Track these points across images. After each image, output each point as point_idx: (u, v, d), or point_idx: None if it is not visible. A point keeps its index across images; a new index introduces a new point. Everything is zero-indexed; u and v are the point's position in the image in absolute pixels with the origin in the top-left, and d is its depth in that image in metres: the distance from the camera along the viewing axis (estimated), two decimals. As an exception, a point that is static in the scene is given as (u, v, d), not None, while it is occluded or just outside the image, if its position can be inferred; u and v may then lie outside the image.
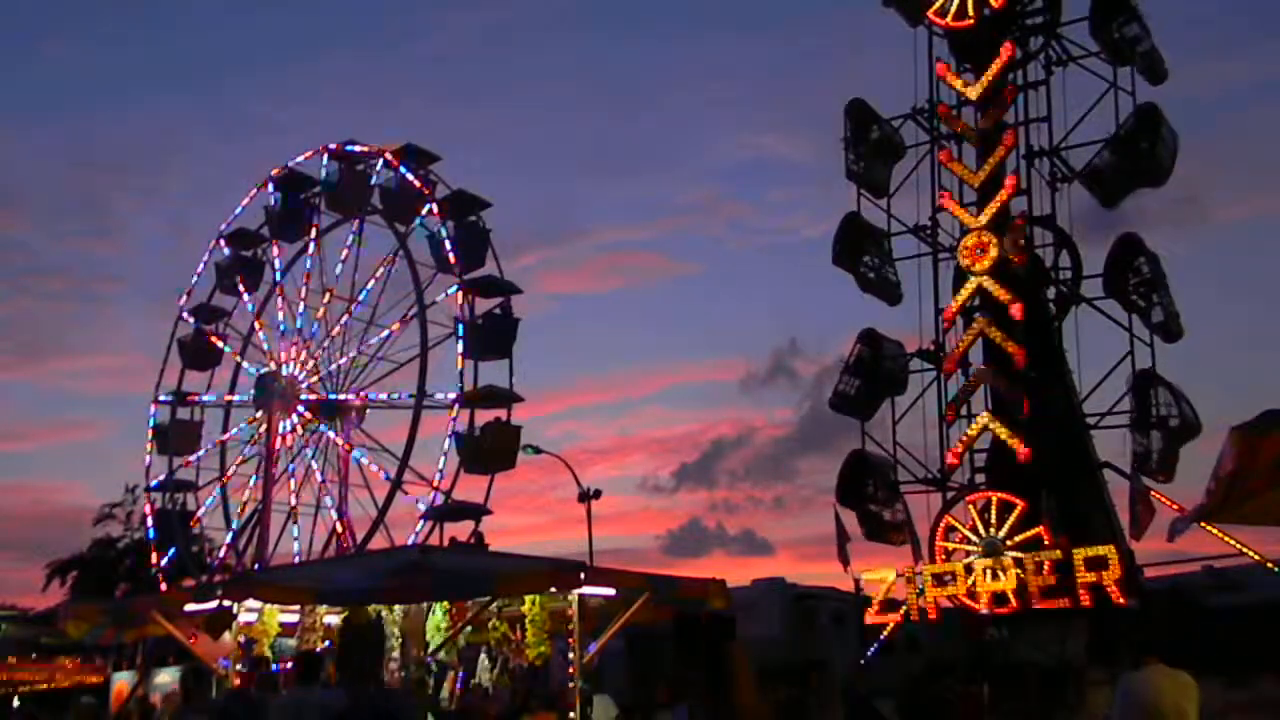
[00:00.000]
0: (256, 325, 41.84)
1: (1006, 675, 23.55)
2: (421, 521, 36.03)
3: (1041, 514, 26.45)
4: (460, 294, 37.03)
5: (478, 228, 38.16)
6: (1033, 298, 29.32)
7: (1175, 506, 24.71)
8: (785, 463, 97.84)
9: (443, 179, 38.91)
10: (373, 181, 39.05)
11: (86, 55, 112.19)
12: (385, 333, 38.74)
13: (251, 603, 13.84)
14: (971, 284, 29.01)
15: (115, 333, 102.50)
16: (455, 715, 16.20)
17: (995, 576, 26.23)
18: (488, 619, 15.15)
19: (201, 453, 42.03)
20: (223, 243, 42.23)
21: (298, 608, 14.70)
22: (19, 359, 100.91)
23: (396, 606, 14.12)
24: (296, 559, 36.93)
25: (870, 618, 28.23)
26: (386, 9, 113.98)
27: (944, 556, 27.48)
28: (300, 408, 39.24)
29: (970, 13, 30.32)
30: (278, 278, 42.02)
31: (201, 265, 42.72)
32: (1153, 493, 25.62)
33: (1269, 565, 23.24)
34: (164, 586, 37.63)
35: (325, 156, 39.76)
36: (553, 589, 13.99)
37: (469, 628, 14.99)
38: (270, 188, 40.98)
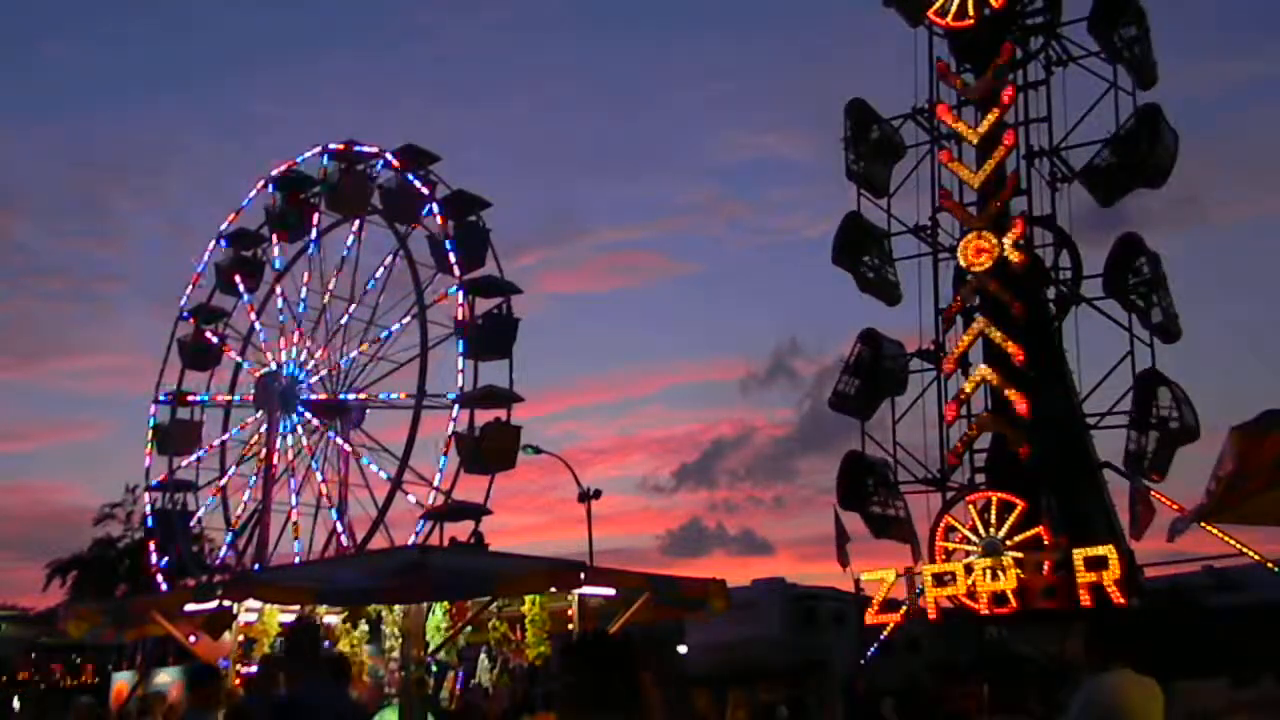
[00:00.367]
0: (256, 325, 41.85)
1: (1006, 675, 23.58)
2: (421, 521, 36.06)
3: (1041, 514, 26.46)
4: (460, 294, 37.02)
5: (478, 228, 38.14)
6: (1033, 298, 29.33)
7: (1175, 506, 24.74)
8: (785, 463, 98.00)
9: (443, 179, 38.94)
10: (373, 182, 39.05)
11: (86, 55, 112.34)
12: (385, 333, 38.76)
13: (251, 603, 13.83)
14: (971, 284, 29.03)
15: (115, 333, 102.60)
16: (455, 715, 16.21)
17: (995, 576, 26.24)
18: (488, 619, 15.13)
19: (201, 453, 42.04)
20: (223, 243, 42.24)
21: (298, 608, 14.70)
22: (19, 359, 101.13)
23: (396, 606, 14.11)
24: (297, 559, 36.91)
25: (870, 618, 28.25)
26: (386, 9, 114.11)
27: (944, 556, 27.50)
28: (300, 408, 39.25)
29: (970, 13, 30.34)
30: (277, 275, 42.04)
31: (201, 265, 42.76)
32: (1153, 493, 25.63)
33: (1269, 565, 23.24)
34: (164, 586, 37.63)
35: (325, 156, 39.76)
36: (553, 589, 13.97)
37: (469, 628, 14.97)
38: (270, 188, 40.97)
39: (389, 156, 38.22)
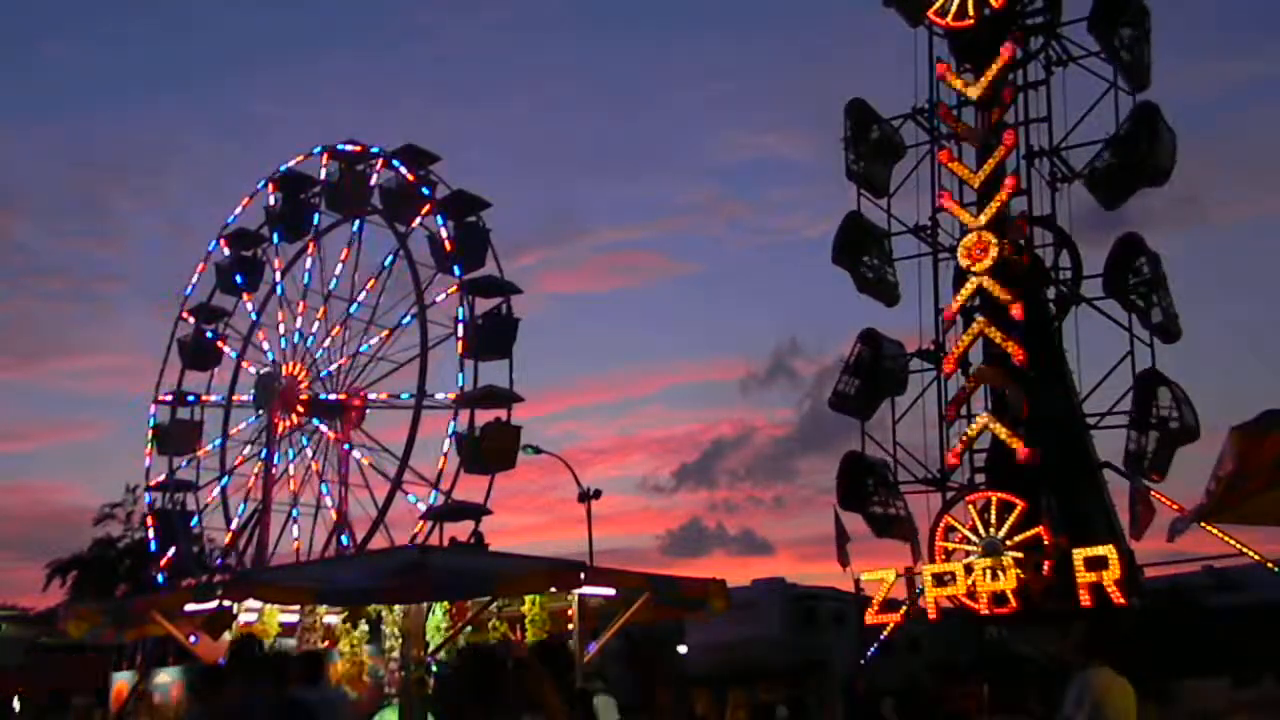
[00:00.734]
0: (256, 325, 41.87)
1: (1006, 675, 23.60)
2: (421, 521, 36.07)
3: (1041, 514, 26.46)
4: (460, 294, 37.02)
5: (478, 228, 38.16)
6: (1033, 298, 29.33)
7: (1175, 506, 24.75)
8: (785, 463, 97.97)
9: (443, 179, 38.95)
10: (373, 182, 39.07)
11: (86, 55, 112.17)
12: (385, 332, 38.77)
13: (251, 603, 13.83)
14: (971, 284, 29.03)
15: (115, 333, 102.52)
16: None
17: (995, 576, 26.25)
18: (488, 619, 15.12)
19: (201, 453, 42.04)
20: (223, 243, 42.24)
21: (298, 608, 14.70)
22: (19, 359, 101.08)
23: (396, 606, 14.11)
24: (297, 559, 36.92)
25: (870, 618, 28.27)
26: (386, 9, 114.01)
27: (944, 556, 27.50)
28: (300, 408, 39.26)
29: (970, 13, 30.33)
30: (278, 277, 42.02)
31: (201, 265, 42.75)
32: (1153, 493, 25.63)
33: (1269, 565, 23.26)
34: (164, 586, 37.64)
35: (325, 156, 39.78)
36: (553, 589, 13.96)
37: (469, 628, 14.96)
38: (270, 188, 40.99)
39: (389, 156, 38.26)
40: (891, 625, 27.96)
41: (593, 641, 14.93)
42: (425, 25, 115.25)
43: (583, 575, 13.41)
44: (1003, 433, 27.98)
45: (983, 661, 25.75)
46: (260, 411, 39.48)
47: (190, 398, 42.16)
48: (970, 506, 27.57)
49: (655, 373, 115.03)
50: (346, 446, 38.45)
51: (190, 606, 14.02)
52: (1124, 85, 29.81)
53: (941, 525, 27.95)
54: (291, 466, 40.04)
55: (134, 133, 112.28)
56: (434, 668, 14.31)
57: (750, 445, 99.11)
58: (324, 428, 39.41)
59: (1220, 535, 19.85)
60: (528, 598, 14.60)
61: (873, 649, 28.11)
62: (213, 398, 42.59)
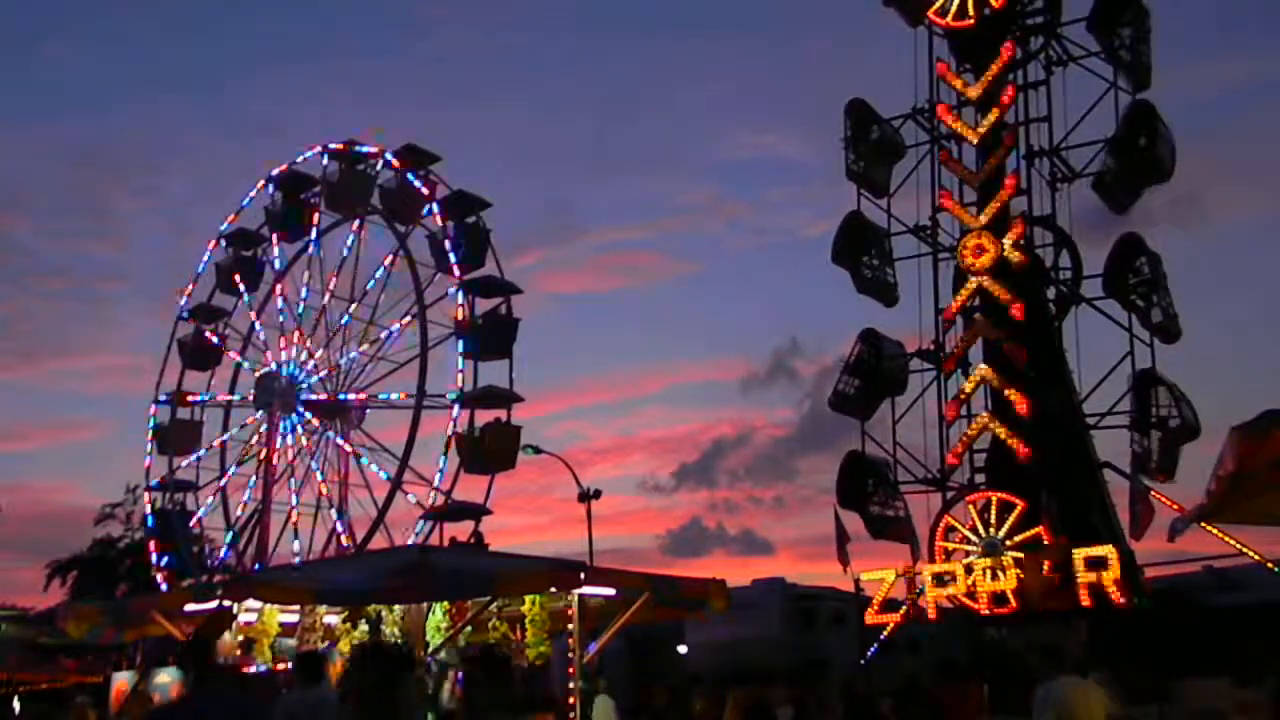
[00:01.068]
0: (256, 325, 41.88)
1: (1006, 675, 23.55)
2: (421, 521, 36.07)
3: (1041, 514, 26.45)
4: (460, 294, 37.03)
5: (478, 228, 38.17)
6: (1033, 298, 29.33)
7: (1175, 506, 24.73)
8: (785, 463, 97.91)
9: (443, 179, 38.96)
10: (373, 182, 39.06)
11: (86, 55, 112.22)
12: (385, 332, 38.78)
13: (251, 603, 13.85)
14: (971, 284, 29.03)
15: (115, 333, 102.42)
16: (455, 715, 16.18)
17: (995, 576, 26.24)
18: (488, 619, 15.13)
19: (201, 453, 42.05)
20: (223, 243, 42.25)
21: (298, 608, 14.72)
22: (19, 359, 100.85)
23: (396, 606, 14.12)
24: (296, 559, 36.92)
25: (870, 618, 28.24)
26: (386, 9, 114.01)
27: (944, 556, 27.50)
28: (300, 408, 39.27)
29: (970, 13, 30.34)
30: (278, 275, 42.06)
31: (202, 265, 42.77)
32: (1153, 493, 25.62)
33: (1269, 565, 23.23)
34: (164, 586, 37.64)
35: (325, 156, 39.78)
36: (553, 589, 13.98)
37: (469, 628, 14.98)
38: (270, 187, 40.99)
39: (389, 156, 38.27)
40: (891, 625, 27.95)
41: (593, 641, 14.95)
42: (425, 25, 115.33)
43: (583, 575, 13.43)
44: (1003, 433, 27.97)
45: (983, 661, 25.69)
46: (260, 411, 39.50)
47: (203, 397, 42.16)
48: (970, 506, 27.57)
49: (655, 373, 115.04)
50: (346, 446, 38.44)
51: (190, 606, 14.05)
52: (1124, 85, 29.83)
53: (941, 525, 27.96)
54: (291, 466, 40.06)
55: (134, 133, 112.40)
56: (433, 667, 14.33)
57: (750, 445, 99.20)
58: (324, 427, 39.40)
59: (1220, 535, 19.81)
60: (528, 598, 14.62)
61: (873, 649, 28.09)
62: (211, 396, 42.62)
